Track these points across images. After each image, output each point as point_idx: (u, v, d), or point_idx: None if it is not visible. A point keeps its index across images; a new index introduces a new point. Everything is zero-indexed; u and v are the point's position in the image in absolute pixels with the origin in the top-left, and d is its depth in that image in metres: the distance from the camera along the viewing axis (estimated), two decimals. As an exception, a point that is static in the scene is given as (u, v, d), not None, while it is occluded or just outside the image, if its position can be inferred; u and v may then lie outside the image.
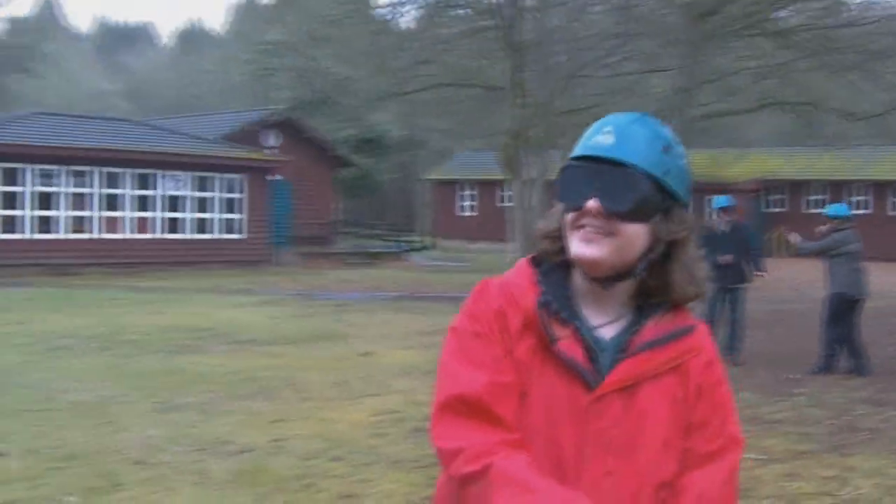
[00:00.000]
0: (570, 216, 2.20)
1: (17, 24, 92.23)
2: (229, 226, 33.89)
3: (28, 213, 29.72)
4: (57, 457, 8.10)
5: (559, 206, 2.26)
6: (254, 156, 34.83)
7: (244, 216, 34.18)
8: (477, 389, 2.14)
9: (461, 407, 2.14)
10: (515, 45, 27.07)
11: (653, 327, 2.23)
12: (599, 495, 2.11)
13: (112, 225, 31.19)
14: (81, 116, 35.82)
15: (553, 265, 2.27)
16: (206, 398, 10.77)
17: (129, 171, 31.24)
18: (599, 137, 2.20)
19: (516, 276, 2.28)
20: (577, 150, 2.23)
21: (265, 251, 34.66)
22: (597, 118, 2.26)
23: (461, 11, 31.70)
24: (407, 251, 42.56)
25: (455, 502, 2.22)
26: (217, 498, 7.00)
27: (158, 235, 32.08)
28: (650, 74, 28.62)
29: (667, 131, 2.24)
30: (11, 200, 29.43)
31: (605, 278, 2.20)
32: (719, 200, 14.12)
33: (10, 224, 29.43)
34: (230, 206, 33.87)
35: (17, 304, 20.32)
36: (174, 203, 32.48)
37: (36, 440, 8.64)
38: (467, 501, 2.12)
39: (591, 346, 2.20)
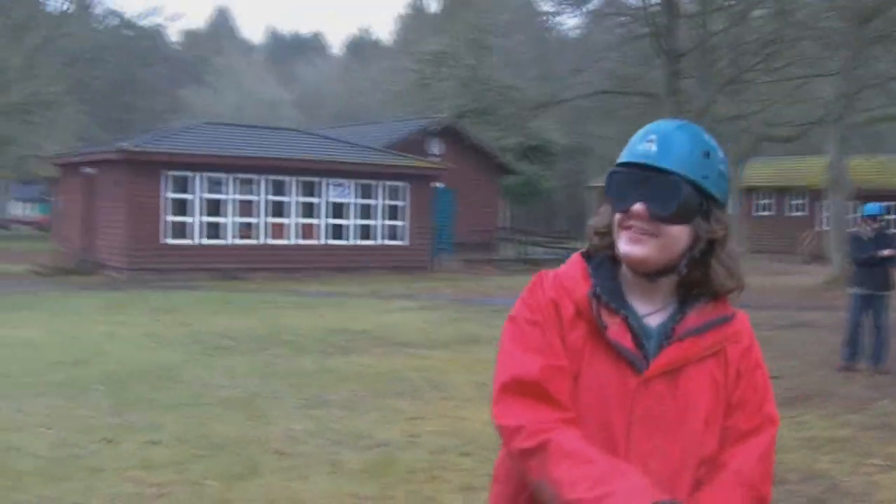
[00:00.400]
0: (618, 216, 2.42)
1: (191, 36, 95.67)
2: (392, 232, 34.50)
3: (197, 219, 30.93)
4: (204, 446, 8.63)
5: (608, 207, 2.48)
6: (416, 163, 35.38)
7: (407, 223, 34.75)
8: (533, 372, 2.37)
9: (519, 388, 2.38)
10: (673, 51, 26.98)
11: (695, 316, 2.44)
12: (646, 471, 2.30)
13: (278, 231, 32.14)
14: (249, 126, 37.04)
15: (603, 259, 2.49)
16: (352, 396, 11.19)
17: (294, 178, 32.15)
18: (643, 145, 2.40)
19: (569, 268, 2.51)
20: (624, 157, 2.44)
21: (427, 257, 35.17)
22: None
23: (621, 19, 31.77)
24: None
25: (514, 477, 2.47)
26: (346, 487, 7.36)
27: (323, 241, 32.88)
28: (813, 79, 28.17)
29: (708, 137, 2.43)
30: (182, 207, 30.67)
31: (650, 273, 2.42)
32: (869, 208, 13.91)
33: (181, 230, 30.67)
34: (393, 213, 34.50)
35: (184, 307, 21.22)
36: (338, 210, 33.22)
37: (187, 431, 9.20)
38: (529, 474, 2.35)
39: (639, 334, 2.41)
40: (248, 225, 31.86)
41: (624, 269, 2.46)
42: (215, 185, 31.30)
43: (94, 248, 32.38)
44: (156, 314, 19.70)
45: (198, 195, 30.99)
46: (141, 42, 62.05)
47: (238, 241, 31.37)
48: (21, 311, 19.82)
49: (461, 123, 44.18)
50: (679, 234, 2.37)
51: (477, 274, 34.41)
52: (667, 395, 2.38)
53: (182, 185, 30.78)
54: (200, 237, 31.06)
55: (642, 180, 2.36)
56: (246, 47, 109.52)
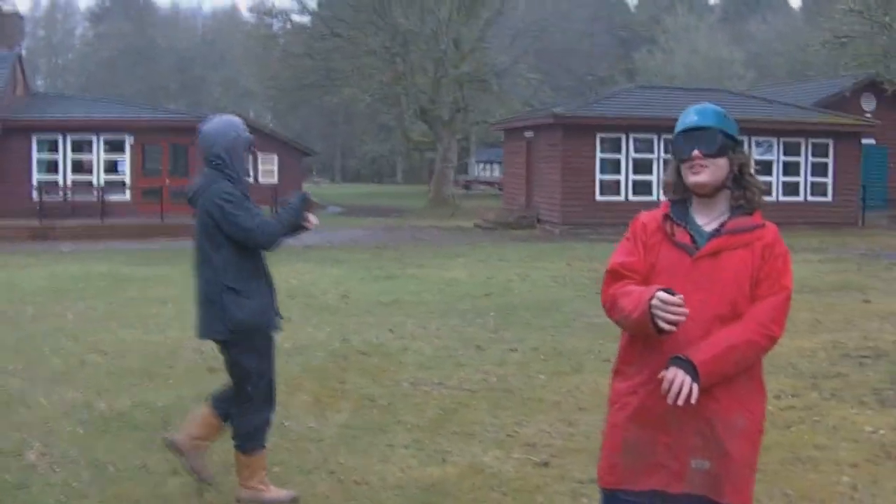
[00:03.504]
0: (683, 165, 4.19)
1: None
2: (816, 189, 35.23)
3: (627, 177, 33.38)
4: (550, 354, 10.99)
5: (672, 165, 4.28)
6: (840, 120, 35.74)
7: (831, 180, 35.31)
8: (615, 265, 4.21)
9: (608, 276, 4.24)
10: None
11: (735, 221, 4.08)
12: (695, 312, 3.90)
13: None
14: (678, 88, 38.79)
15: (677, 199, 4.25)
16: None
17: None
18: (688, 118, 4.17)
19: (659, 207, 4.31)
20: (678, 129, 4.19)
21: (853, 214, 35.52)
22: None
23: None
24: None
25: (626, 338, 4.27)
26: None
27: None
28: None
29: (720, 108, 4.20)
30: (613, 166, 33.27)
31: (709, 193, 4.17)
32: None
33: (612, 187, 33.29)
34: (818, 170, 35.20)
35: (600, 255, 23.34)
36: (764, 168, 34.24)
37: (542, 344, 11.60)
38: (617, 320, 4.09)
39: (694, 235, 4.13)
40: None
41: (694, 199, 4.14)
42: (643, 145, 33.56)
43: (533, 205, 35.64)
44: (571, 261, 22.24)
45: (627, 155, 33.41)
46: (587, 9, 64.76)
47: (664, 198, 33.29)
48: (456, 258, 23.07)
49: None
50: (722, 163, 4.07)
51: (905, 230, 34.37)
52: (710, 269, 3.98)
53: (613, 146, 33.32)
54: (629, 194, 33.44)
55: (693, 138, 4.08)
56: (702, 6, 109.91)
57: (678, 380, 3.69)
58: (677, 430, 3.84)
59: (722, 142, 4.04)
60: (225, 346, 6.12)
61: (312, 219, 6.25)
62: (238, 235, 5.92)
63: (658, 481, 3.87)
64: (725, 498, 3.78)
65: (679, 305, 3.69)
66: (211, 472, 6.43)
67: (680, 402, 3.68)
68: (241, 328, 5.97)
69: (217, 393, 6.39)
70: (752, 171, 4.13)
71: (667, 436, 3.86)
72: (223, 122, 6.14)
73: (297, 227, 6.16)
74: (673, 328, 3.71)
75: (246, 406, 6.13)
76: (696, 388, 3.68)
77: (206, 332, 6.11)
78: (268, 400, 6.21)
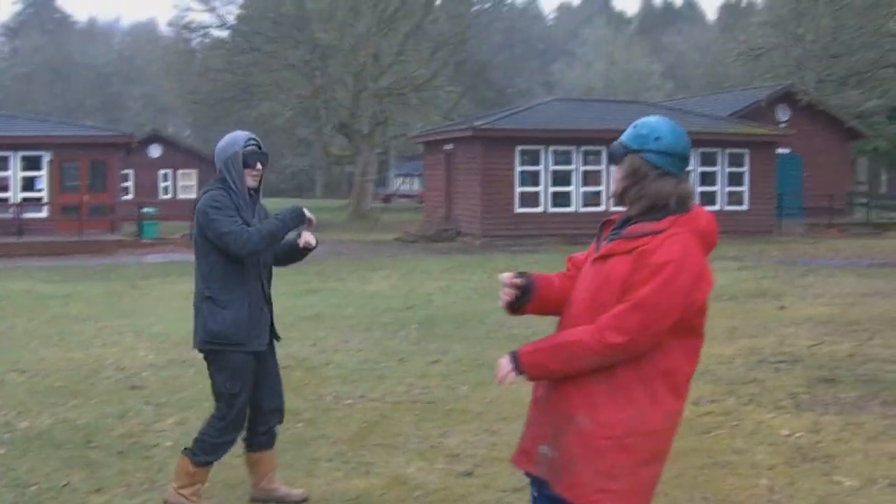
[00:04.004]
0: None
1: (563, 10, 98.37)
2: (733, 198, 35.86)
3: (546, 189, 33.66)
4: (472, 365, 11.06)
5: None
6: (757, 131, 36.47)
7: (747, 189, 35.97)
8: (567, 258, 4.42)
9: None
10: None
11: (634, 227, 4.09)
12: (579, 311, 4.05)
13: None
14: (596, 100, 39.29)
15: None
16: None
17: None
18: None
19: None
20: None
21: (769, 222, 36.19)
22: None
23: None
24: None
25: None
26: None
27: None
28: None
29: (654, 119, 4.15)
30: (531, 178, 33.57)
31: (620, 200, 4.28)
32: None
33: (531, 199, 33.54)
34: (734, 179, 35.86)
35: (520, 266, 23.46)
36: (681, 178, 34.80)
37: (465, 355, 11.67)
38: None
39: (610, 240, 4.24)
40: (595, 193, 34.20)
41: None
42: (562, 157, 33.90)
43: (453, 217, 35.81)
44: (492, 273, 22.33)
45: (546, 167, 33.72)
46: (505, 22, 65.21)
47: (583, 209, 33.70)
48: (377, 271, 23.12)
49: (817, 89, 44.37)
50: (617, 172, 4.14)
51: (818, 238, 35.04)
52: (599, 272, 4.05)
53: (532, 158, 33.62)
54: (548, 206, 33.74)
55: None
56: (619, 18, 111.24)
57: (498, 367, 4.04)
58: (540, 415, 4.08)
59: (613, 150, 4.15)
60: (205, 359, 6.10)
61: (307, 236, 6.11)
62: (215, 240, 5.87)
63: (518, 458, 4.19)
64: (556, 488, 3.94)
65: (509, 286, 4.17)
66: (297, 491, 6.56)
67: (495, 384, 4.09)
68: (214, 340, 5.92)
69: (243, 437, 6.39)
70: (659, 186, 4.03)
71: (533, 419, 4.14)
72: (228, 139, 6.15)
73: (279, 238, 5.99)
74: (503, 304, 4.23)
75: (218, 423, 6.07)
76: (512, 376, 3.98)
77: (193, 341, 6.11)
78: (239, 422, 6.15)
